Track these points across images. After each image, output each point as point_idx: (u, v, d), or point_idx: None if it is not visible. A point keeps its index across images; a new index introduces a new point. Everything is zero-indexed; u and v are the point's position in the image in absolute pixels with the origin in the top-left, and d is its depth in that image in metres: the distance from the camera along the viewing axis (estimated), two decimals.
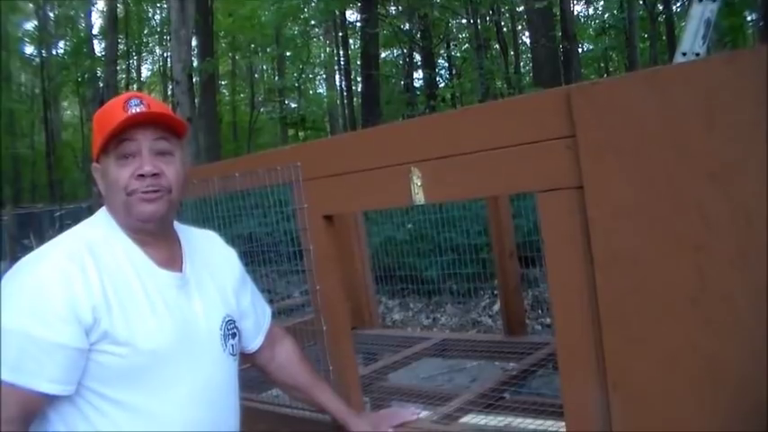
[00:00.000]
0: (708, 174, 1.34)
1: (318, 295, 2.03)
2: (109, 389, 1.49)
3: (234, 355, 1.73)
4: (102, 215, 1.65)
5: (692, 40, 3.98)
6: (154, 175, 1.55)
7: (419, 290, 7.87)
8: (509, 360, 2.55)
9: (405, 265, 7.35)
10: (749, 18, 17.47)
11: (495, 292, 7.74)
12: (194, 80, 13.84)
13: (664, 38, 19.05)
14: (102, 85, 26.62)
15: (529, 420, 2.02)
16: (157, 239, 1.63)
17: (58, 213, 17.06)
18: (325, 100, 29.88)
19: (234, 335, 1.72)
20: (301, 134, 26.70)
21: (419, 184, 1.72)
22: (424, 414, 2.07)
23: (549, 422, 1.97)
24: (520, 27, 24.15)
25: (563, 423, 1.88)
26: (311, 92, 30.54)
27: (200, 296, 1.66)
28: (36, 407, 1.45)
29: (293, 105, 26.56)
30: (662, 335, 1.42)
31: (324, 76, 32.07)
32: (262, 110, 27.84)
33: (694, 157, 1.35)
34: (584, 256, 1.49)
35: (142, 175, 1.54)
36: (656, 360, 1.43)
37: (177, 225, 1.74)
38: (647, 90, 1.41)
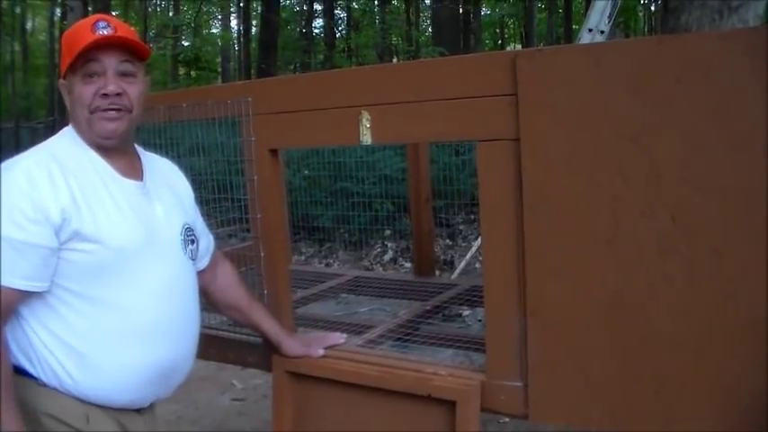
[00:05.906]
0: (629, 135, 1.58)
1: (259, 223, 2.16)
2: (79, 285, 1.60)
3: (193, 260, 1.85)
4: (67, 131, 1.74)
5: (598, 17, 4.28)
6: (117, 94, 1.66)
7: (311, 236, 8.00)
8: (420, 299, 2.75)
9: (298, 207, 7.44)
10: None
11: (386, 242, 8.02)
12: (89, 8, 13.26)
13: (560, 10, 19.63)
14: None
15: (441, 350, 2.23)
16: (118, 153, 1.74)
17: None
18: (219, 41, 29.13)
19: (192, 241, 1.85)
20: (193, 73, 26.00)
21: (368, 126, 1.89)
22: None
23: (461, 352, 2.19)
24: None
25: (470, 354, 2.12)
26: (205, 31, 29.64)
27: (160, 203, 1.78)
28: (12, 303, 1.55)
29: (186, 44, 25.73)
30: (577, 270, 1.66)
31: (219, 16, 31.22)
32: (153, 46, 26.83)
33: (619, 120, 1.59)
34: (515, 199, 1.71)
35: (106, 95, 1.65)
36: (570, 291, 1.67)
37: (137, 147, 1.84)
38: (584, 60, 1.63)
